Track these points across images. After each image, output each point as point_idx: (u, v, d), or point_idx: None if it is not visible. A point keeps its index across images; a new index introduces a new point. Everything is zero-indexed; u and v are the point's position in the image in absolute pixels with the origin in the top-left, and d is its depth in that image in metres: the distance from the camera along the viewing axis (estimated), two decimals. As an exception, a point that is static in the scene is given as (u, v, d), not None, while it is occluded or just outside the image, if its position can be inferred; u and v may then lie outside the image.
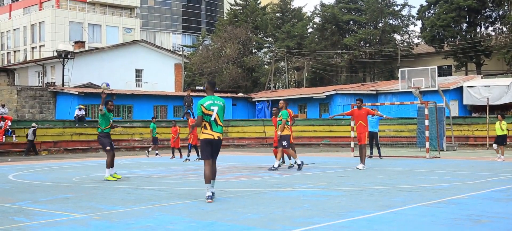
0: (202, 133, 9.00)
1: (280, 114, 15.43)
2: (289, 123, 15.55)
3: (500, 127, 19.29)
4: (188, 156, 21.35)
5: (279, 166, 15.47)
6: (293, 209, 8.03)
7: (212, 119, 8.96)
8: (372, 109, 20.19)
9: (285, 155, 16.45)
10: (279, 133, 15.30)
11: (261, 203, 8.69)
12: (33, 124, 29.15)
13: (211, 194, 8.84)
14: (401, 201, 8.77)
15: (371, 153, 20.97)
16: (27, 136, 28.38)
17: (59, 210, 8.35)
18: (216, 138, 8.98)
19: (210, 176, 8.89)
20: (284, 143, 15.10)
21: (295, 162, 15.45)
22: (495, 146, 19.51)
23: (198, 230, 6.59)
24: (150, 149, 25.44)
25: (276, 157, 15.68)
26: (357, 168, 15.26)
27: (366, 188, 10.61)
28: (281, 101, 15.77)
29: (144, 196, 9.92)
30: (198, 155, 21.05)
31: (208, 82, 9.48)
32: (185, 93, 39.32)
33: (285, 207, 8.29)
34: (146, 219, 7.35)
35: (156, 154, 25.45)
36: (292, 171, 15.08)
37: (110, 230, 6.65)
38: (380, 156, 20.79)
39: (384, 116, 21.04)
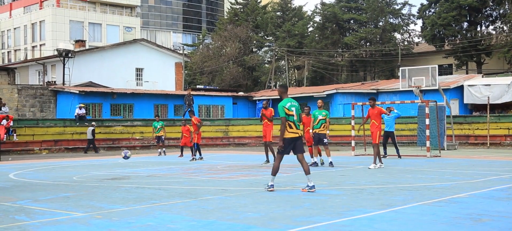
0: (288, 131, 9.72)
1: (315, 113, 15.94)
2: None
3: None
4: (194, 154, 20.98)
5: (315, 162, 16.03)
6: (294, 208, 8.04)
7: (295, 118, 9.78)
8: (386, 108, 20.12)
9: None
10: (315, 131, 15.86)
11: (262, 202, 8.69)
12: (93, 123, 30.32)
13: (273, 183, 9.92)
14: (401, 200, 8.77)
15: (385, 153, 20.41)
16: (88, 134, 29.58)
17: (60, 209, 8.36)
18: (299, 135, 9.90)
19: (278, 169, 9.95)
20: (325, 140, 15.89)
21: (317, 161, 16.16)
22: None
23: (198, 229, 6.59)
24: (162, 149, 25.35)
25: (311, 155, 16.33)
26: (369, 167, 15.16)
27: (366, 187, 10.61)
28: (319, 101, 16.49)
29: (144, 194, 9.93)
30: (200, 154, 20.89)
31: (281, 86, 10.36)
32: (185, 92, 39.29)
33: (285, 206, 8.29)
34: (146, 218, 7.35)
35: (159, 153, 25.30)
36: (293, 170, 15.09)
37: (111, 229, 6.65)
38: (398, 155, 20.03)
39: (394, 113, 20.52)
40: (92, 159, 22.99)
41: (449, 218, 7.04)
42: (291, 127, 9.76)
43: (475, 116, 32.67)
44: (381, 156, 20.16)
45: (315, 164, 15.90)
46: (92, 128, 29.45)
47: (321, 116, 15.92)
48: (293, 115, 9.74)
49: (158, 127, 25.49)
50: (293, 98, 10.22)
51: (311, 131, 15.97)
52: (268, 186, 9.88)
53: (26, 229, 6.74)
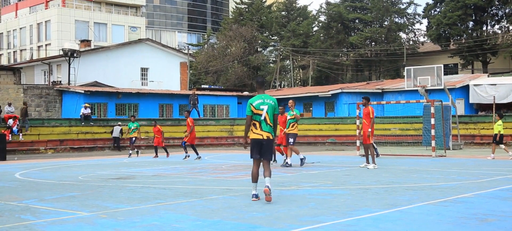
0: (252, 132, 8.78)
1: (289, 112, 15.89)
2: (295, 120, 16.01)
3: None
4: (187, 152, 21.02)
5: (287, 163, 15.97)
6: (299, 208, 8.03)
7: (262, 118, 8.72)
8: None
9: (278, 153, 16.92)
10: (285, 131, 15.90)
11: (266, 201, 8.68)
12: (119, 123, 31.41)
13: (256, 192, 8.75)
14: (406, 199, 8.75)
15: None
16: (112, 132, 30.85)
17: (65, 208, 8.38)
18: (265, 137, 8.71)
19: (257, 175, 8.74)
20: (290, 140, 15.70)
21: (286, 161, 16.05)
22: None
23: (203, 228, 6.59)
24: (133, 150, 24.72)
25: (284, 154, 16.34)
26: (367, 167, 15.19)
27: (371, 187, 10.59)
28: (290, 101, 16.38)
29: (149, 194, 9.94)
30: (196, 154, 20.87)
31: (256, 80, 9.28)
32: (190, 92, 39.35)
33: (290, 205, 8.28)
34: (151, 218, 7.36)
35: (130, 155, 24.28)
36: (298, 169, 15.08)
37: (116, 229, 6.67)
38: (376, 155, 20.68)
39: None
40: (98, 158, 23.05)
41: (455, 218, 7.01)
42: (255, 127, 8.74)
43: (480, 115, 32.56)
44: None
45: (288, 164, 15.93)
46: (119, 127, 30.48)
47: (289, 116, 16.06)
48: (260, 114, 8.69)
49: (132, 128, 24.71)
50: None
51: (285, 131, 16.08)
52: (252, 195, 8.80)
53: (32, 229, 6.76)
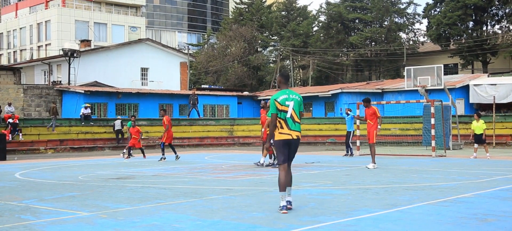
0: (279, 132, 7.82)
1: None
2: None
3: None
4: (163, 155, 20.47)
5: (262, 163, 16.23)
6: (299, 208, 8.02)
7: (288, 115, 7.80)
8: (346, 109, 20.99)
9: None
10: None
11: (267, 201, 8.68)
12: (119, 117, 32.35)
13: (285, 203, 7.65)
14: (406, 199, 8.75)
15: (348, 152, 21.38)
16: (113, 127, 31.39)
17: (65, 208, 8.38)
18: (295, 137, 7.81)
19: (286, 183, 7.69)
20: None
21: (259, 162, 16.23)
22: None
23: (203, 228, 6.59)
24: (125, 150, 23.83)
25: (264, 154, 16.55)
26: (367, 167, 15.21)
27: (371, 187, 10.59)
28: (265, 101, 16.53)
29: (149, 194, 9.94)
30: (175, 153, 20.50)
31: (281, 74, 8.26)
32: (190, 92, 39.36)
33: (290, 205, 8.27)
34: (151, 217, 7.37)
35: (123, 154, 23.41)
36: (298, 169, 15.09)
37: (116, 228, 6.67)
38: (350, 154, 21.20)
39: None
40: (98, 158, 23.04)
41: (455, 218, 7.01)
42: (282, 126, 7.79)
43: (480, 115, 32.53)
44: (345, 155, 21.11)
45: (259, 164, 16.10)
46: (119, 120, 31.29)
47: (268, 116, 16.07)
48: (286, 111, 7.79)
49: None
50: (302, 97, 8.94)
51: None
52: (280, 207, 7.69)
53: (32, 228, 6.76)
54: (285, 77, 8.26)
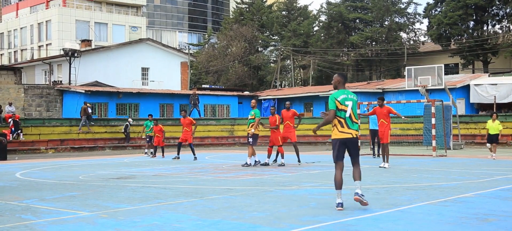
0: (339, 131, 8.04)
1: (252, 113, 16.06)
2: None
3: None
4: (194, 154, 20.97)
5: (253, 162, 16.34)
6: (299, 208, 8.03)
7: (347, 115, 8.00)
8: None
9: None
10: (253, 130, 16.07)
11: (267, 201, 8.69)
12: (129, 119, 32.92)
13: (341, 201, 7.85)
14: (407, 199, 8.75)
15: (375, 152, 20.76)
16: (125, 129, 32.14)
17: (66, 208, 8.38)
18: (354, 135, 8.03)
19: (341, 181, 7.96)
20: (250, 139, 16.10)
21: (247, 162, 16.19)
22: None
23: (204, 228, 6.60)
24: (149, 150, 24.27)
25: (269, 155, 16.62)
26: (380, 166, 15.22)
27: (372, 187, 10.59)
28: (253, 100, 16.77)
29: (150, 194, 9.95)
30: (178, 153, 20.74)
31: (339, 74, 8.36)
32: (191, 92, 39.36)
33: (291, 205, 8.28)
34: (152, 217, 7.37)
35: (145, 153, 24.37)
36: (298, 169, 15.10)
37: (117, 228, 6.67)
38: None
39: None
40: (98, 158, 23.05)
41: (455, 218, 7.01)
42: (341, 125, 8.00)
43: (481, 115, 32.54)
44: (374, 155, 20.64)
45: (247, 164, 16.13)
46: (126, 122, 31.93)
47: (249, 115, 16.19)
48: (345, 111, 7.97)
49: (151, 126, 23.84)
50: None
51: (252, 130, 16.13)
52: (337, 204, 7.89)
53: (32, 228, 6.77)
54: (344, 77, 8.35)
